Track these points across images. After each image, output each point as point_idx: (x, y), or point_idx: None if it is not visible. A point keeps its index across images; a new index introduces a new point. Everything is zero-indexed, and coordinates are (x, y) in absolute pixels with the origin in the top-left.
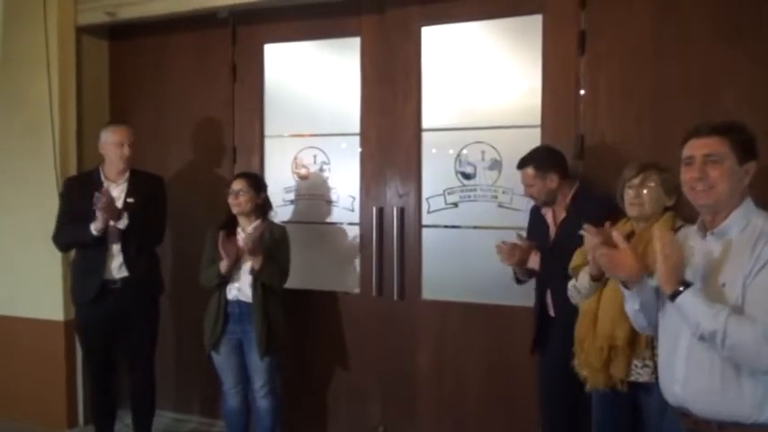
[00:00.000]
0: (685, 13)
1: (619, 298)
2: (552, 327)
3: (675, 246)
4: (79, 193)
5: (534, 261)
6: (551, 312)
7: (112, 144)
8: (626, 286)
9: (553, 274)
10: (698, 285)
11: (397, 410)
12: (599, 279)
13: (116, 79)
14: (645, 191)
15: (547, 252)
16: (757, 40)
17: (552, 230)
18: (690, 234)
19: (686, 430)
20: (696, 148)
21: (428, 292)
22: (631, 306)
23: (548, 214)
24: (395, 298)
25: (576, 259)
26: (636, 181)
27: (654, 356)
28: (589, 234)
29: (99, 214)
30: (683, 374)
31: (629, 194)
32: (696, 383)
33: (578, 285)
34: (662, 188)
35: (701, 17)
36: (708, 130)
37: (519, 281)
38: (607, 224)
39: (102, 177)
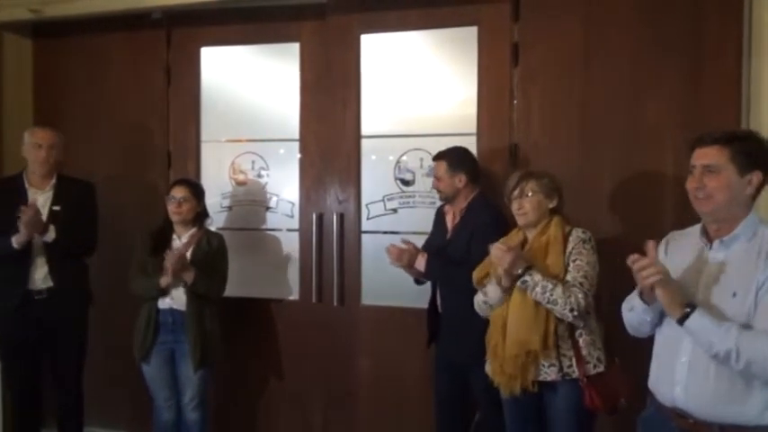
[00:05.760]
0: (613, 26)
1: (529, 304)
2: (442, 322)
3: (662, 271)
4: (0, 199)
5: (420, 263)
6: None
7: (30, 146)
8: (646, 301)
9: (438, 276)
10: (703, 297)
11: (337, 416)
12: (508, 290)
13: (41, 80)
14: (525, 200)
15: (432, 255)
16: (681, 53)
17: (449, 233)
18: (681, 239)
19: (679, 431)
20: (697, 157)
21: (367, 298)
22: (642, 317)
23: (448, 216)
24: (334, 304)
25: (478, 272)
26: (516, 192)
27: (559, 356)
28: (499, 252)
29: (22, 228)
30: (686, 378)
31: (513, 206)
32: (700, 388)
33: (488, 299)
34: (542, 194)
35: (628, 31)
36: (710, 140)
37: (417, 281)
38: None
39: (26, 183)
